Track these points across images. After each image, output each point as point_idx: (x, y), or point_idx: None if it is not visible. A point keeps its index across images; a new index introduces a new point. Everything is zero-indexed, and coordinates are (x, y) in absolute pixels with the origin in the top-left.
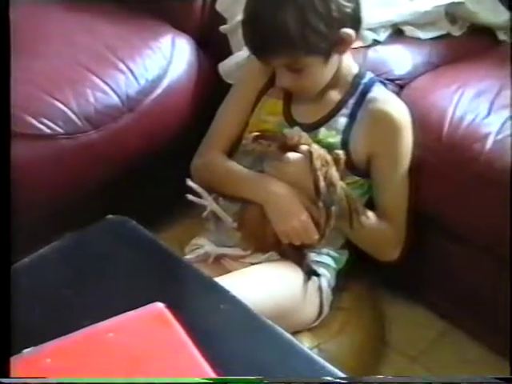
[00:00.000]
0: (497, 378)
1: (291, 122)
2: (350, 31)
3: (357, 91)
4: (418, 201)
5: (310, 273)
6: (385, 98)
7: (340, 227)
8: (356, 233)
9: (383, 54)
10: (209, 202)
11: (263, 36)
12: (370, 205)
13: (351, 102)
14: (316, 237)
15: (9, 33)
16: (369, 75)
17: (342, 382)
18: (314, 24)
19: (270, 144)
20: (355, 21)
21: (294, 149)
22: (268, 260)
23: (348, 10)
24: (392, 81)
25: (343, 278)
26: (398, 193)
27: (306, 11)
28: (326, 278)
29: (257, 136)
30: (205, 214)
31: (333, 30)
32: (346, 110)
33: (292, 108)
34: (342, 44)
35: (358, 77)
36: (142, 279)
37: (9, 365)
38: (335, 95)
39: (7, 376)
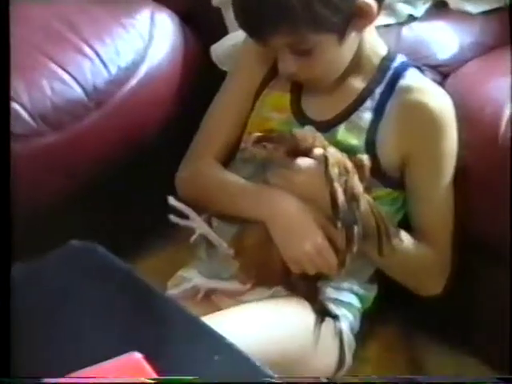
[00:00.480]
0: (497, 378)
1: (302, 119)
2: (370, 0)
3: (385, 78)
4: (465, 218)
5: (323, 313)
6: (422, 86)
7: (366, 254)
8: (388, 260)
9: (422, 33)
10: (198, 224)
11: (257, 8)
12: (406, 224)
13: (378, 91)
14: (335, 264)
15: (8, 35)
16: (400, 58)
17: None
18: None
19: (276, 147)
20: None
21: (307, 153)
22: (272, 296)
23: None
24: (433, 67)
25: (370, 320)
26: (441, 208)
27: None
28: (348, 320)
29: (259, 137)
30: (193, 238)
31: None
32: (371, 103)
33: (302, 102)
34: (360, 17)
35: (387, 59)
36: (113, 321)
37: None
38: (357, 83)
39: (8, 375)
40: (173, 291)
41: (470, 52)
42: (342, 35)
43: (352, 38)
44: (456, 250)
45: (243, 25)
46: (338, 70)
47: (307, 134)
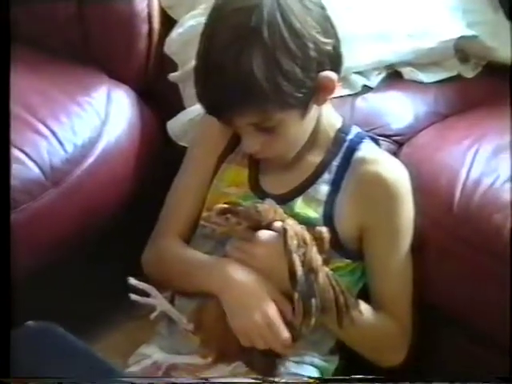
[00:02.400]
0: (497, 378)
1: (259, 193)
2: (331, 74)
3: (341, 150)
4: (423, 288)
5: None
6: (376, 158)
7: (326, 326)
8: (348, 332)
9: (376, 104)
10: (158, 301)
11: (222, 92)
12: (365, 294)
13: (334, 164)
14: (286, 338)
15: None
16: (355, 130)
17: None
18: (287, 68)
19: (239, 222)
20: (336, 61)
21: (267, 226)
22: (233, 373)
23: (328, 48)
24: (388, 137)
25: None
26: (400, 278)
27: (277, 53)
28: None
29: (224, 209)
30: (153, 315)
31: (310, 74)
32: (328, 175)
33: (260, 177)
34: (322, 91)
35: (342, 132)
36: None
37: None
38: (313, 157)
39: (7, 376)
40: (133, 368)
41: (424, 121)
42: (304, 110)
43: (312, 113)
44: (416, 319)
45: (207, 107)
46: (298, 145)
47: (269, 207)
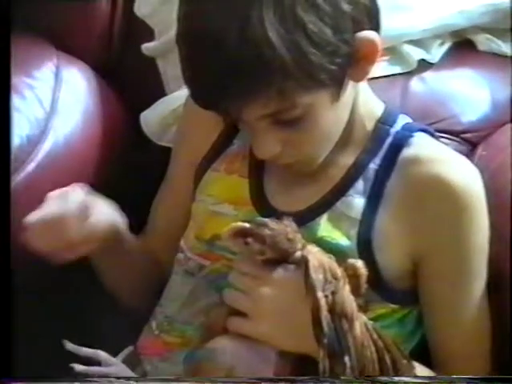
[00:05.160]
0: (497, 378)
1: (267, 211)
2: (373, 35)
3: (382, 148)
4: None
5: None
6: (435, 155)
7: None
8: None
9: (438, 86)
10: (114, 368)
11: (221, 68)
12: (424, 352)
13: (372, 167)
14: None
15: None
16: (402, 120)
17: None
18: (313, 29)
19: (262, 250)
20: (375, 18)
21: (285, 257)
22: None
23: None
24: (456, 134)
25: None
26: (473, 329)
27: (298, 9)
28: None
29: (243, 230)
30: None
31: (345, 35)
32: (363, 184)
33: (266, 188)
34: (361, 60)
35: (384, 122)
36: None
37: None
38: (344, 159)
39: (9, 375)
40: None
41: (507, 111)
42: (338, 89)
43: (347, 95)
44: None
45: (202, 98)
46: (331, 142)
47: (296, 231)
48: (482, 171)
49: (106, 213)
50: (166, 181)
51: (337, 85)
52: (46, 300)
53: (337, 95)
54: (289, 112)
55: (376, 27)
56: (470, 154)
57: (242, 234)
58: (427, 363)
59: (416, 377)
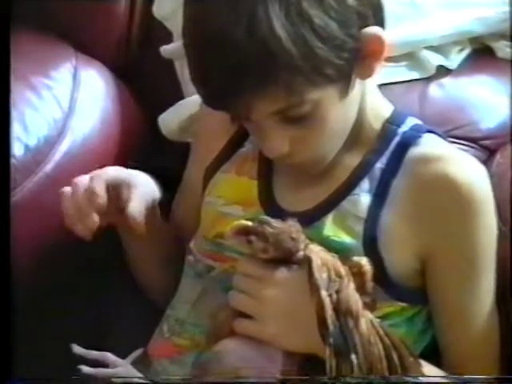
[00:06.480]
0: (497, 378)
1: (274, 212)
2: (379, 31)
3: (388, 148)
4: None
5: None
6: (443, 154)
7: None
8: None
9: (456, 92)
10: (121, 370)
11: (228, 66)
12: (434, 351)
13: (378, 166)
14: None
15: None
16: (411, 121)
17: None
18: (320, 23)
19: (266, 249)
20: (380, 13)
21: (288, 257)
22: None
23: None
24: (474, 140)
25: None
26: (482, 328)
27: (304, 3)
28: None
29: (246, 229)
30: None
31: (351, 30)
32: (369, 183)
33: (275, 189)
34: (368, 56)
35: (392, 122)
36: None
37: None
38: (350, 158)
39: (9, 378)
40: None
41: None
42: (346, 85)
43: (355, 92)
44: None
45: (209, 97)
46: (340, 140)
47: (299, 231)
48: (499, 178)
49: (146, 185)
50: (183, 182)
51: (344, 80)
52: (51, 301)
53: (345, 91)
54: (297, 109)
55: (381, 23)
56: (488, 161)
57: (244, 232)
58: (439, 364)
59: (427, 377)
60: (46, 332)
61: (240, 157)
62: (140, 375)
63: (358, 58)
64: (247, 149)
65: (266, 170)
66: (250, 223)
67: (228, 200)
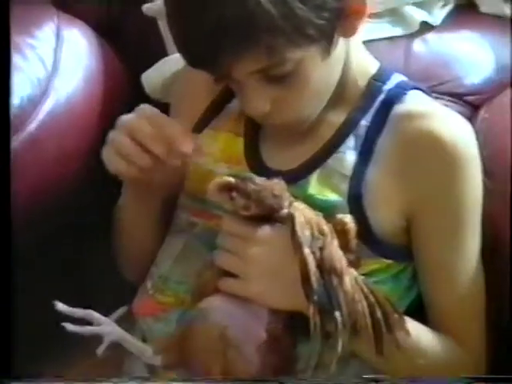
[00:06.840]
0: (497, 378)
1: (261, 170)
2: None
3: (374, 105)
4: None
5: None
6: (428, 111)
7: (358, 354)
8: (392, 363)
9: (440, 48)
10: (106, 328)
11: (208, 25)
12: (420, 309)
13: (363, 123)
14: None
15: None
16: (396, 78)
17: None
18: None
19: (247, 205)
20: None
21: (271, 214)
22: None
23: None
24: (458, 96)
25: None
26: (468, 285)
27: None
28: None
29: (228, 185)
30: (101, 349)
31: None
32: (354, 140)
33: (261, 147)
34: (350, 15)
35: (377, 79)
36: None
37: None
38: (335, 117)
39: (8, 376)
40: None
41: (509, 73)
42: (328, 45)
43: (338, 51)
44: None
45: (191, 56)
46: (322, 101)
47: (283, 188)
48: (484, 134)
49: None
50: None
51: (326, 40)
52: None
53: (327, 51)
54: (279, 68)
55: None
56: (472, 117)
57: (226, 188)
58: (423, 321)
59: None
60: (35, 289)
61: (227, 113)
62: (123, 332)
63: (340, 17)
64: (235, 105)
65: (252, 127)
66: (232, 179)
67: (215, 158)
